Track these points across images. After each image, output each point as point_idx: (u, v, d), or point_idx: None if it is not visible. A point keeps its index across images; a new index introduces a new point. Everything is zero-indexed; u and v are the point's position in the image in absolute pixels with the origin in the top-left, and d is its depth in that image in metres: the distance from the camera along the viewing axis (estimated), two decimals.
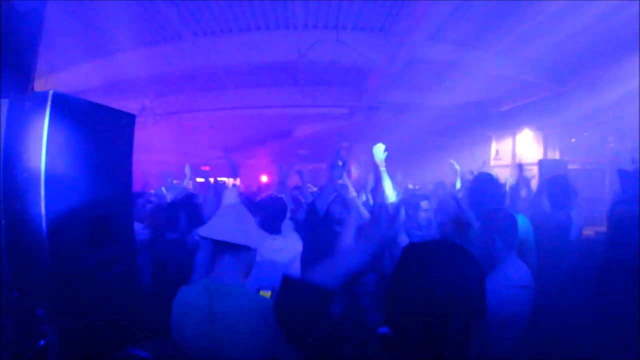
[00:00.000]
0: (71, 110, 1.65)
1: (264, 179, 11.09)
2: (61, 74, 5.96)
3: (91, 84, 6.14)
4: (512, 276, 2.03)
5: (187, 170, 5.34)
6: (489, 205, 2.90)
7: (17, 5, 2.08)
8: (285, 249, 2.54)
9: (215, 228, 1.59)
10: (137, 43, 5.54)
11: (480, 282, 0.98)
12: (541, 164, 5.26)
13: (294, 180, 4.76)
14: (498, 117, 7.90)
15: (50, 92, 1.53)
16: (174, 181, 10.09)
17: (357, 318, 2.47)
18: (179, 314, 1.56)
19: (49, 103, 1.52)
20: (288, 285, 1.08)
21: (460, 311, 0.93)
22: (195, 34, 5.60)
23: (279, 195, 2.78)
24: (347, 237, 1.36)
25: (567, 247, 3.13)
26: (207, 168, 13.36)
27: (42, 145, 1.53)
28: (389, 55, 5.94)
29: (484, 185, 2.92)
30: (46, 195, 1.55)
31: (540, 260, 2.86)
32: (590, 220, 3.74)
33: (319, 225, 3.00)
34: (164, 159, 10.99)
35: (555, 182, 3.35)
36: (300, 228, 3.03)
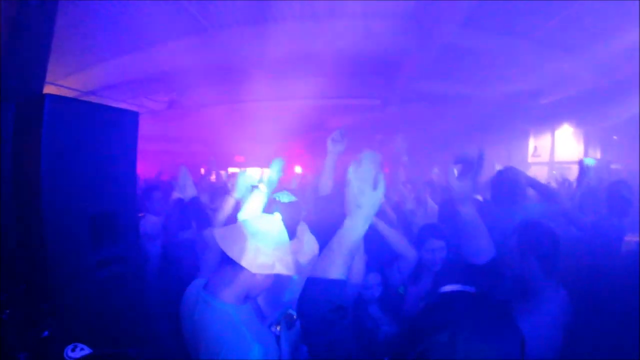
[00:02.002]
0: (69, 112, 1.68)
1: (298, 170, 11.09)
2: (90, 70, 6.17)
3: (120, 79, 6.35)
4: (553, 313, 1.60)
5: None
6: (509, 199, 2.70)
7: None
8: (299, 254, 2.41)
9: (227, 234, 1.43)
10: (166, 37, 5.62)
11: (519, 356, 0.84)
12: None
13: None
14: (537, 110, 7.41)
15: (46, 96, 1.57)
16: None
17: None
18: (182, 304, 1.52)
19: (45, 106, 1.56)
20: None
21: None
22: (222, 26, 5.60)
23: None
24: None
25: (617, 255, 2.87)
26: (242, 159, 13.56)
27: (39, 147, 1.58)
28: (421, 44, 5.68)
29: (507, 178, 2.77)
30: (44, 194, 1.60)
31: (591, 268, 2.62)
32: (629, 227, 3.42)
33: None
34: (194, 150, 11.22)
35: (617, 187, 3.08)
36: None
